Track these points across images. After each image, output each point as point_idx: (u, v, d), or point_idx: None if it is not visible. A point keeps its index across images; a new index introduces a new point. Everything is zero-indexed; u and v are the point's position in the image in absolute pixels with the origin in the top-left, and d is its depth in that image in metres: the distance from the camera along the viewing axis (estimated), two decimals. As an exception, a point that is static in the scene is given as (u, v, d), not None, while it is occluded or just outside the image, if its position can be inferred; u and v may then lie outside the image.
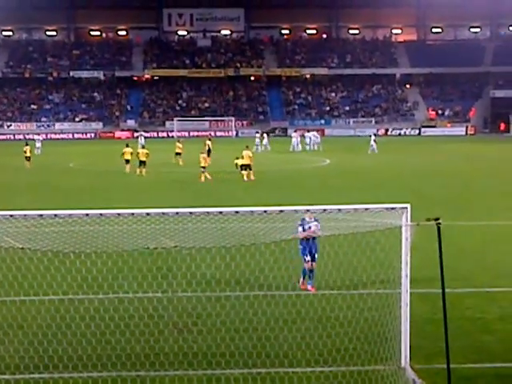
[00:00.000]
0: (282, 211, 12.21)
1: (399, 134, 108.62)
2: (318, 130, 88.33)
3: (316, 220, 16.87)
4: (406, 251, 12.41)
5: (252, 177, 44.78)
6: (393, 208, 12.25)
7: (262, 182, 43.41)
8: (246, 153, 45.80)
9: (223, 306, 15.90)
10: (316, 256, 17.33)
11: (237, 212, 12.15)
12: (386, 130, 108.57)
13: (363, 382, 12.16)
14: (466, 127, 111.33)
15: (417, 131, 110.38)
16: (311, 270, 17.29)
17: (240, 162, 47.70)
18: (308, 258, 17.17)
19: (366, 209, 12.37)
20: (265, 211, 12.14)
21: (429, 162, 59.13)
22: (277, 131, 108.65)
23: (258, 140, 72.52)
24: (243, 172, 45.45)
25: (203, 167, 44.31)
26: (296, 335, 14.15)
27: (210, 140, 59.90)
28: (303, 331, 14.36)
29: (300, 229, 16.94)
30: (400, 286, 12.55)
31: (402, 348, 12.58)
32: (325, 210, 12.47)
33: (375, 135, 75.84)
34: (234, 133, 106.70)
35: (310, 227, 16.93)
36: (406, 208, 12.22)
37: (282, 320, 15.16)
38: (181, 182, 43.76)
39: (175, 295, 16.26)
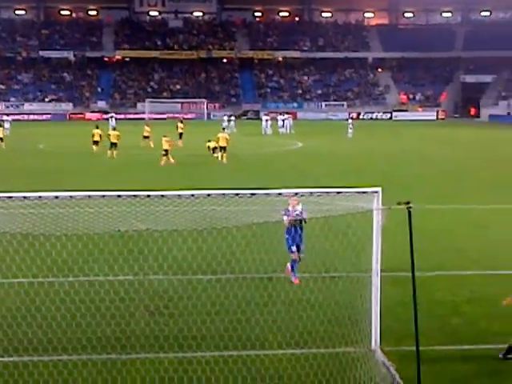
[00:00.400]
0: (253, 194, 12.19)
1: (371, 118, 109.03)
2: (288, 113, 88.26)
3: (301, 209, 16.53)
4: (377, 235, 12.47)
5: (224, 160, 44.82)
6: (364, 192, 12.28)
7: (234, 164, 43.37)
8: (222, 135, 46.25)
9: (195, 289, 15.90)
10: (302, 247, 16.88)
11: (208, 195, 12.11)
12: (358, 114, 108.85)
13: (334, 364, 12.23)
14: (437, 111, 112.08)
15: (388, 115, 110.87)
16: (295, 261, 16.90)
17: (212, 144, 47.79)
18: (294, 248, 16.70)
19: (338, 192, 12.38)
20: (236, 194, 12.12)
21: (400, 145, 59.43)
22: (249, 114, 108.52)
23: (225, 123, 72.13)
24: (218, 154, 45.92)
25: (165, 150, 44.05)
26: (267, 318, 14.18)
27: (181, 122, 59.62)
28: (275, 314, 14.40)
29: (285, 218, 16.52)
30: (371, 270, 12.62)
31: (372, 331, 12.66)
32: (296, 193, 12.49)
33: (352, 119, 76.25)
34: (206, 115, 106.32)
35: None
36: (378, 192, 12.26)
37: (253, 303, 15.18)
38: (152, 165, 43.55)
39: (146, 278, 16.22)
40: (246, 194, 12.23)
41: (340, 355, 12.58)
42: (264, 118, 77.49)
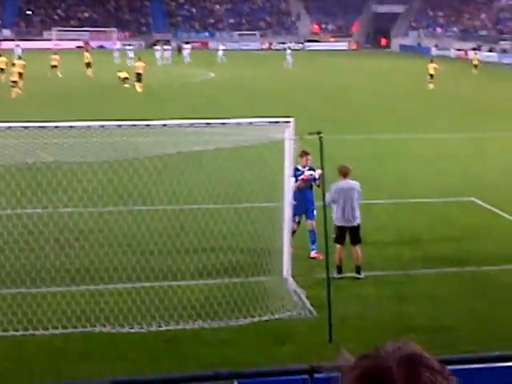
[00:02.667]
0: (164, 125, 12.05)
1: (284, 49, 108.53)
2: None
3: (312, 169, 14.39)
4: (289, 165, 12.53)
5: (139, 88, 44.60)
6: (276, 122, 12.28)
7: (145, 95, 42.82)
8: (139, 64, 46.46)
9: (106, 222, 15.74)
10: (314, 212, 14.48)
11: (119, 126, 11.92)
12: (270, 44, 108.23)
13: (246, 293, 12.35)
14: (349, 42, 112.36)
15: (300, 45, 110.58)
16: (311, 231, 14.66)
17: (123, 74, 47.25)
18: (297, 217, 14.26)
19: (250, 123, 12.35)
20: (148, 125, 11.96)
21: (312, 76, 59.46)
22: (159, 44, 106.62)
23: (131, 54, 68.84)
24: (128, 84, 46.16)
25: (14, 81, 41.75)
26: (180, 249, 14.19)
27: (87, 52, 57.00)
28: (187, 245, 14.41)
29: (292, 179, 13.71)
30: (283, 199, 12.71)
31: (284, 260, 12.81)
32: (208, 123, 12.38)
33: (290, 48, 76.53)
34: (117, 45, 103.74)
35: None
36: (290, 122, 12.27)
37: (165, 234, 15.14)
38: (61, 96, 42.50)
39: (56, 211, 15.95)
40: (157, 124, 12.08)
41: (253, 284, 12.71)
42: (156, 47, 76.28)
